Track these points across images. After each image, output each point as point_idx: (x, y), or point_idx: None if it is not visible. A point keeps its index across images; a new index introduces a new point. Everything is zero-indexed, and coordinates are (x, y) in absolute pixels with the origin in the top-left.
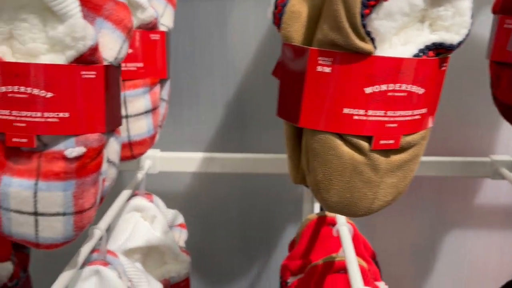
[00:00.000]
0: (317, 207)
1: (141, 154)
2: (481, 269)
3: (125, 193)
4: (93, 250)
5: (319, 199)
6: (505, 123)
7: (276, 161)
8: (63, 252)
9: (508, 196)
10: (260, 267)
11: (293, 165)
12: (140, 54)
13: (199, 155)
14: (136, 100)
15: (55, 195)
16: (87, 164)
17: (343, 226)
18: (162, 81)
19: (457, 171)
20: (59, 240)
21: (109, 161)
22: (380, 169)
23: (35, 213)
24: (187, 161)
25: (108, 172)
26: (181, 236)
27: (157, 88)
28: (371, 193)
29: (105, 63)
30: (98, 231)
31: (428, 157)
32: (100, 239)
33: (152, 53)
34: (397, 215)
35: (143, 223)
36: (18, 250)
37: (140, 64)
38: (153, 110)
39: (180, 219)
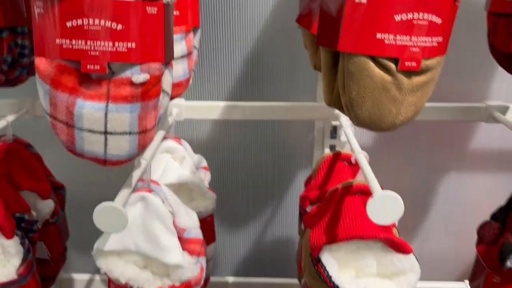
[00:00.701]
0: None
1: (178, 95)
2: (473, 210)
3: (160, 133)
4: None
5: (352, 115)
6: (498, 72)
7: (290, 109)
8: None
9: (498, 141)
10: (273, 209)
11: (328, 88)
12: (176, 2)
13: (221, 104)
14: (174, 45)
15: (123, 116)
16: (150, 90)
17: (360, 154)
18: (194, 29)
19: (454, 116)
20: (124, 157)
21: (163, 91)
22: (403, 88)
23: (105, 133)
24: (209, 109)
25: (162, 101)
26: (205, 178)
27: (191, 35)
28: (395, 109)
29: (164, 1)
30: (144, 161)
31: (427, 103)
32: (145, 169)
33: (185, 2)
34: (395, 159)
35: (174, 163)
36: (56, 191)
37: (176, 12)
38: (188, 55)
39: (204, 163)
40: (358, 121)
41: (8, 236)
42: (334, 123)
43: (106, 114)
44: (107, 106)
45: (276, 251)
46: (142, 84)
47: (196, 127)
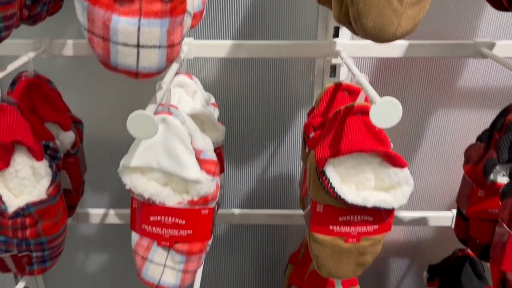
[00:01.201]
0: None
1: (194, 26)
2: (460, 145)
3: (175, 66)
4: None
5: (359, 25)
6: (486, 10)
7: (292, 47)
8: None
9: (485, 78)
10: (276, 145)
11: (337, 4)
12: None
13: (229, 42)
14: None
15: (154, 30)
16: (177, 7)
17: (361, 76)
18: None
19: (444, 53)
20: (154, 70)
21: (187, 11)
22: (404, 2)
23: (138, 46)
24: (217, 48)
25: (186, 21)
26: (214, 113)
27: None
28: (396, 20)
29: None
30: (165, 85)
31: (417, 41)
32: (166, 92)
33: None
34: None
35: (186, 97)
36: (75, 125)
37: None
38: None
39: (212, 99)
40: (363, 31)
41: (38, 157)
42: (334, 61)
43: (138, 28)
44: (139, 20)
45: (279, 184)
46: (171, 0)
47: (203, 66)
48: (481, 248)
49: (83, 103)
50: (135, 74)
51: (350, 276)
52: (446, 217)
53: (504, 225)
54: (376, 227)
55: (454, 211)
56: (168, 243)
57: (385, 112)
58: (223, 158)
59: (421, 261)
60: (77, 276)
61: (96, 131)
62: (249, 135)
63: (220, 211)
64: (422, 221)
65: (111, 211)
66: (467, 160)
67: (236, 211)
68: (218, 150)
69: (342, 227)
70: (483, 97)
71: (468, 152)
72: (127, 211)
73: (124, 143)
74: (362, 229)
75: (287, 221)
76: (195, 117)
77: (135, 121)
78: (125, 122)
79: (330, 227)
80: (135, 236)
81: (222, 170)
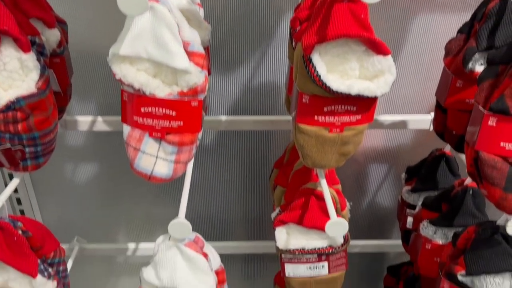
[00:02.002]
0: None
1: None
2: (441, 49)
3: None
4: None
5: None
6: None
7: None
8: None
9: None
10: (261, 54)
11: None
12: None
13: None
14: None
15: None
16: None
17: None
18: None
19: None
20: None
21: None
22: None
23: None
24: None
25: None
26: (200, 12)
27: None
28: None
29: None
30: None
31: None
32: None
33: None
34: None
35: None
36: (59, 24)
37: None
38: None
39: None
40: None
41: (25, 49)
42: None
43: None
44: None
45: (265, 91)
46: None
47: None
48: (457, 139)
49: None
50: None
51: (333, 166)
52: (425, 120)
53: (480, 107)
54: (359, 117)
55: (432, 114)
56: (160, 134)
57: None
58: (210, 60)
59: (400, 166)
60: (67, 185)
61: (81, 37)
62: (235, 41)
63: (207, 117)
64: (402, 124)
65: (99, 118)
66: (447, 53)
67: (223, 117)
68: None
69: (326, 117)
70: (463, 0)
71: (448, 45)
72: (116, 118)
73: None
74: (346, 119)
75: (272, 127)
76: (181, 12)
77: None
78: (109, 27)
79: (315, 117)
80: (126, 128)
81: (209, 72)
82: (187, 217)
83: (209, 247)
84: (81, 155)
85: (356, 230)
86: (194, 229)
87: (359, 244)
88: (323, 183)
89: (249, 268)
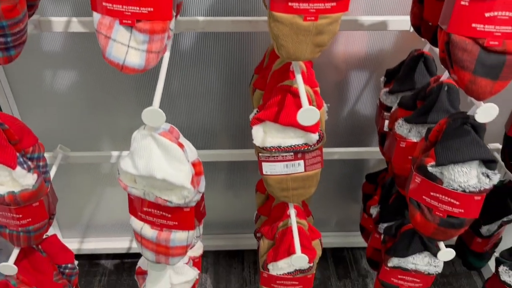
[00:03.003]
0: None
1: None
2: None
3: None
4: None
5: None
6: None
7: None
8: None
9: None
10: None
11: None
12: None
13: None
14: None
15: None
16: None
17: None
18: None
19: None
20: None
21: None
22: None
23: None
24: None
25: None
26: None
27: None
28: None
29: None
30: None
31: None
32: None
33: None
34: None
35: None
36: None
37: None
38: None
39: None
40: None
41: None
42: None
43: None
44: None
45: None
46: None
47: None
48: (434, 30)
49: None
50: None
51: (308, 57)
52: (405, 21)
53: None
54: (334, 4)
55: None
56: (130, 21)
57: None
58: None
59: (381, 74)
60: (48, 94)
61: None
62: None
63: (184, 18)
64: (382, 25)
65: (74, 19)
66: None
67: (200, 18)
68: None
69: (300, 3)
70: None
71: None
72: (91, 19)
73: None
74: (320, 6)
75: (251, 28)
76: None
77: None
78: None
79: (289, 3)
80: (97, 16)
81: None
82: None
83: (184, 139)
84: (60, 62)
85: (336, 137)
86: None
87: (338, 152)
88: (299, 78)
89: (232, 177)
